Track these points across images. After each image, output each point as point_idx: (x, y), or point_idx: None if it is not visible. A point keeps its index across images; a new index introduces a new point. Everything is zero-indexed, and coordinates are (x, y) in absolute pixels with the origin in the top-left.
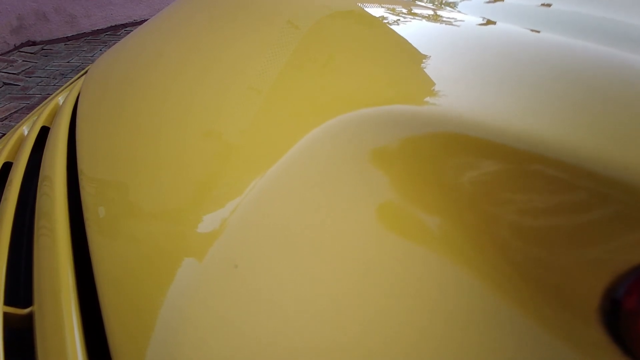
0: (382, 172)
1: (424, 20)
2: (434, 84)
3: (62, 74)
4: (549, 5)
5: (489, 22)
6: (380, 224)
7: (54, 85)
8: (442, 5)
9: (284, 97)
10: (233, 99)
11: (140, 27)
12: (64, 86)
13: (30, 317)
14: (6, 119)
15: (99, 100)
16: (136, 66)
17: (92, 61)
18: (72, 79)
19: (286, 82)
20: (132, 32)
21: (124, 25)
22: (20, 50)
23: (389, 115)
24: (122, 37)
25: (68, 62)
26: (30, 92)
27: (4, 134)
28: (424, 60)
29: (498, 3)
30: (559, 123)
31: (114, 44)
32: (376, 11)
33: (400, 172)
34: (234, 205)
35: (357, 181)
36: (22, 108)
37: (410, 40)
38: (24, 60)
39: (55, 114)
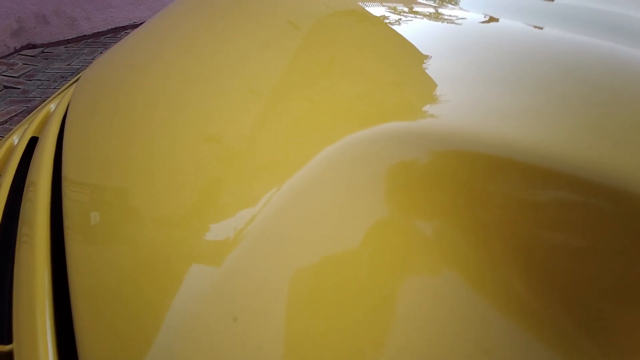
0: (406, 193)
1: (432, 21)
2: (449, 96)
3: (63, 77)
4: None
5: (501, 21)
6: (402, 264)
7: (55, 88)
8: (449, 4)
9: (291, 107)
10: (235, 112)
11: (134, 31)
12: (57, 93)
13: (11, 354)
14: (6, 122)
15: (88, 109)
16: (129, 73)
17: None
18: (65, 86)
19: (297, 90)
20: (125, 37)
21: (124, 28)
22: (21, 53)
23: (409, 132)
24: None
25: (68, 64)
26: (31, 95)
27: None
28: (437, 70)
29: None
30: (582, 137)
31: None
32: (390, 15)
33: (421, 191)
34: (234, 235)
35: (376, 215)
36: (22, 111)
37: (424, 49)
38: (24, 64)
39: (45, 123)
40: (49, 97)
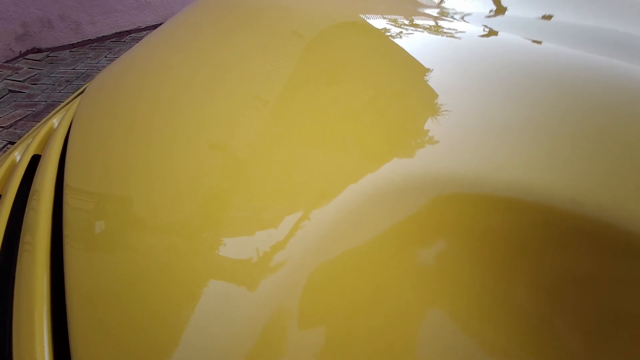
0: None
1: (444, 38)
2: (458, 129)
3: (68, 81)
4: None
5: (512, 38)
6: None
7: (59, 92)
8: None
9: (310, 126)
10: (246, 129)
11: (139, 43)
12: (60, 106)
13: None
14: (11, 126)
15: (92, 125)
16: (134, 90)
17: (97, 68)
18: (69, 99)
19: (317, 110)
20: (130, 50)
21: (129, 32)
22: (26, 57)
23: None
24: (127, 44)
25: (73, 69)
26: (36, 100)
27: (10, 142)
28: (448, 95)
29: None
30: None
31: (119, 50)
32: (399, 30)
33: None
34: (250, 255)
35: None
36: (27, 115)
37: (439, 68)
38: (29, 68)
39: (47, 140)
40: (53, 102)
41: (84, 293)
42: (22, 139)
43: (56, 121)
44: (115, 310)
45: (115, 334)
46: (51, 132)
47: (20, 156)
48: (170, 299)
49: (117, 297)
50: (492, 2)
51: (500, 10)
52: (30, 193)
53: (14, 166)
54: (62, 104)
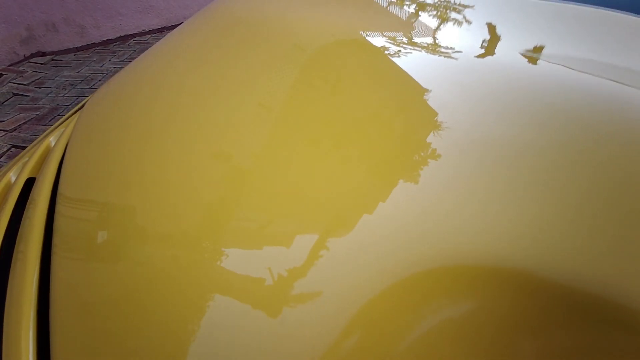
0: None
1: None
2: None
3: (72, 85)
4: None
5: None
6: None
7: (64, 95)
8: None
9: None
10: (254, 162)
11: (139, 58)
12: (57, 124)
13: None
14: (15, 130)
15: (91, 141)
16: (134, 107)
17: (102, 71)
18: (68, 114)
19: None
20: (130, 65)
21: (133, 35)
22: (30, 60)
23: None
24: (131, 47)
25: (78, 72)
26: (40, 103)
27: (13, 145)
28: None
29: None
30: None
31: (123, 54)
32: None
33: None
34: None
35: None
36: (31, 119)
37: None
38: (33, 71)
39: (44, 160)
40: (57, 105)
41: (66, 300)
42: (17, 157)
43: (53, 140)
44: (95, 316)
45: (92, 339)
46: (48, 152)
47: (15, 177)
48: (147, 309)
49: (99, 304)
50: (487, 32)
51: (494, 39)
52: (27, 203)
53: (9, 187)
54: (59, 121)
